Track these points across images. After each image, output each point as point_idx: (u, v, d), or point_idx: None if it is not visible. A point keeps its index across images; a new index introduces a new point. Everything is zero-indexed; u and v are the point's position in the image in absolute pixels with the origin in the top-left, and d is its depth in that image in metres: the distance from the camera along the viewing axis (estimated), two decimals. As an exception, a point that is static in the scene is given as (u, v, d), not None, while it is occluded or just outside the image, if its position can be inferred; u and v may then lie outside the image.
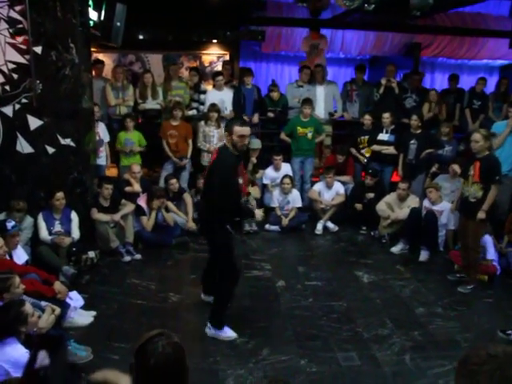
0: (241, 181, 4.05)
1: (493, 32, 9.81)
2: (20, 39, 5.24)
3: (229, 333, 4.19)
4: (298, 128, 7.50)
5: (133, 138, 7.05)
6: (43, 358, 0.59)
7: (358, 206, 7.04)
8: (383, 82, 8.05)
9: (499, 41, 9.92)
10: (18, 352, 2.92)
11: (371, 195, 7.03)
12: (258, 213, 4.42)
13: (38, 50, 5.23)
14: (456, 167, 6.48)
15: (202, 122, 7.36)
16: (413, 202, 6.53)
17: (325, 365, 3.84)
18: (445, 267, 5.82)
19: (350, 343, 4.16)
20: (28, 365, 0.59)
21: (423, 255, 6.08)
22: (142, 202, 6.29)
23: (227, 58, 9.37)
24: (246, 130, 3.95)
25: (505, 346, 1.32)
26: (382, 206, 6.68)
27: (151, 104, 7.55)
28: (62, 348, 0.58)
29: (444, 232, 6.32)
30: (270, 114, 7.94)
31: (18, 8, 5.17)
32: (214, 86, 7.79)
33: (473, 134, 5.13)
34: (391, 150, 7.27)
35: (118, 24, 5.64)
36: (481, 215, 4.98)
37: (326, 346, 4.11)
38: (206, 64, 9.56)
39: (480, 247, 5.31)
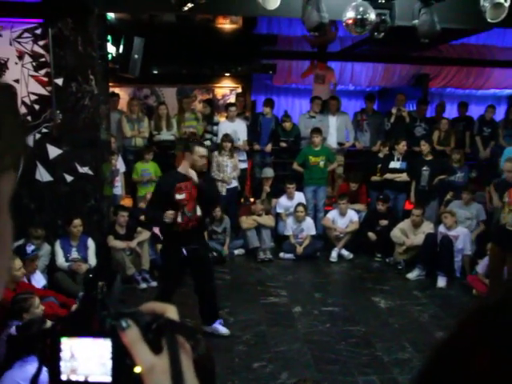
0: (181, 196, 4.27)
1: (498, 62, 9.98)
2: (42, 72, 5.44)
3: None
4: (310, 157, 7.58)
5: (149, 168, 7.17)
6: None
7: (371, 235, 7.02)
8: (394, 111, 8.18)
9: (506, 71, 10.09)
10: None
11: (385, 222, 7.02)
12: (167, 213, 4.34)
13: (59, 81, 5.42)
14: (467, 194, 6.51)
15: (216, 152, 7.47)
16: (427, 227, 6.52)
17: (345, 388, 3.78)
18: (463, 292, 5.76)
19: (370, 367, 4.10)
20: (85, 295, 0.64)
21: (441, 281, 6.02)
22: (157, 230, 6.33)
23: (239, 90, 9.59)
24: (205, 151, 4.40)
25: None
26: (396, 233, 6.67)
27: (166, 135, 7.71)
28: (116, 281, 0.64)
29: (460, 257, 6.27)
30: (283, 144, 8.05)
31: (41, 43, 5.40)
32: (227, 117, 7.95)
33: (504, 164, 5.06)
34: (404, 177, 7.31)
35: (136, 56, 5.84)
36: None
37: (345, 370, 4.05)
38: (219, 97, 9.78)
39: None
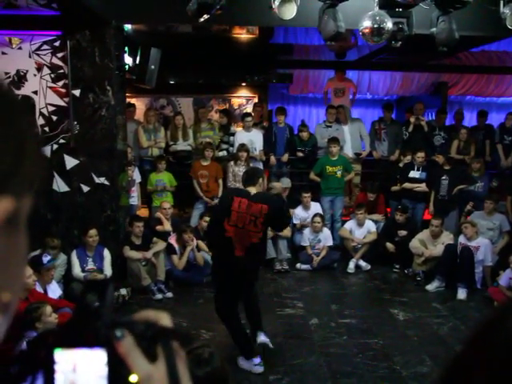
0: None
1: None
2: (60, 83, 5.51)
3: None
4: (327, 167, 7.52)
5: (164, 178, 7.18)
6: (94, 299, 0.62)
7: (390, 247, 6.91)
8: (412, 120, 8.08)
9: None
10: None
11: (403, 233, 6.91)
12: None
13: (77, 92, 5.49)
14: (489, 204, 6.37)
15: (232, 162, 7.46)
16: (447, 238, 6.40)
17: (363, 403, 3.69)
18: (484, 304, 5.61)
19: (387, 381, 4.00)
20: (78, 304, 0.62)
21: (461, 293, 5.88)
22: (172, 240, 6.33)
23: (256, 100, 9.60)
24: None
25: None
26: (415, 244, 6.55)
27: (182, 145, 7.74)
28: (109, 290, 0.62)
29: (481, 269, 6.12)
30: (300, 154, 8.00)
31: (59, 55, 5.48)
32: (243, 127, 7.94)
33: None
34: (423, 187, 7.20)
35: (153, 67, 5.88)
36: None
37: (362, 384, 3.96)
38: (236, 107, 9.80)
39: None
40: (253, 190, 4.05)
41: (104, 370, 0.58)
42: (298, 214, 7.39)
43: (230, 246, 3.94)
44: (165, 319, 0.61)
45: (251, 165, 7.43)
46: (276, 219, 4.06)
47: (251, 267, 4.06)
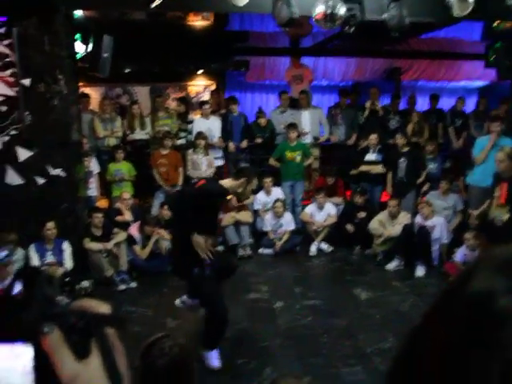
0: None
1: (467, 55, 10.16)
2: (8, 72, 5.28)
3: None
4: (287, 152, 7.58)
5: (122, 168, 7.06)
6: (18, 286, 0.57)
7: (350, 228, 7.05)
8: (367, 105, 8.23)
9: (475, 63, 10.24)
10: None
11: (363, 215, 7.06)
12: None
13: (27, 82, 5.27)
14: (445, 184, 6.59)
15: (191, 151, 7.41)
16: (404, 218, 6.57)
17: (329, 381, 3.76)
18: (441, 280, 5.82)
19: (352, 358, 4.09)
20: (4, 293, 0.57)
21: (419, 270, 6.08)
22: (133, 230, 6.24)
23: (213, 88, 9.53)
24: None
25: None
26: (374, 225, 6.70)
27: (140, 134, 7.61)
28: (39, 280, 0.56)
29: (437, 246, 6.33)
30: (258, 140, 8.02)
31: (5, 42, 5.24)
32: (201, 115, 7.88)
33: (496, 154, 5.04)
34: (379, 169, 7.37)
35: (106, 55, 5.72)
36: None
37: (329, 363, 4.04)
38: (193, 95, 9.69)
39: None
40: (223, 182, 4.02)
41: (29, 367, 0.53)
42: (260, 198, 7.42)
43: None
44: (102, 307, 0.57)
45: (210, 152, 7.40)
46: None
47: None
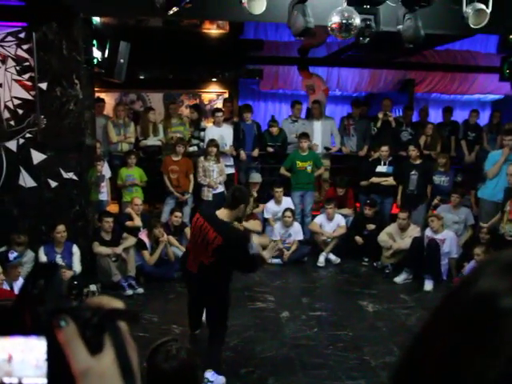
0: None
1: (481, 68, 10.11)
2: (26, 76, 5.38)
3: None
4: (298, 162, 7.59)
5: (134, 173, 7.11)
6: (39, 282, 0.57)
7: (358, 240, 7.03)
8: (380, 116, 8.23)
9: (489, 76, 10.20)
10: None
11: (372, 226, 7.04)
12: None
13: (44, 86, 5.36)
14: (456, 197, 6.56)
15: (202, 158, 7.44)
16: (414, 231, 6.55)
17: (333, 393, 3.75)
18: (449, 295, 5.76)
19: (357, 371, 4.07)
20: (23, 289, 0.57)
21: (427, 284, 6.03)
22: (143, 236, 6.28)
23: (226, 96, 9.58)
24: None
25: None
26: (383, 237, 6.68)
27: (152, 141, 7.67)
28: (56, 275, 0.57)
29: (447, 261, 6.29)
30: (270, 149, 8.05)
31: (25, 47, 5.34)
32: (214, 123, 7.92)
33: (508, 168, 5.00)
34: (390, 181, 7.35)
35: (122, 61, 5.80)
36: None
37: (333, 375, 4.02)
38: (206, 102, 9.76)
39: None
40: (222, 215, 3.68)
41: (43, 360, 0.53)
42: (270, 208, 7.43)
43: (187, 256, 3.91)
44: (116, 303, 0.58)
45: (221, 160, 7.44)
46: (232, 258, 3.62)
47: (204, 287, 3.75)
